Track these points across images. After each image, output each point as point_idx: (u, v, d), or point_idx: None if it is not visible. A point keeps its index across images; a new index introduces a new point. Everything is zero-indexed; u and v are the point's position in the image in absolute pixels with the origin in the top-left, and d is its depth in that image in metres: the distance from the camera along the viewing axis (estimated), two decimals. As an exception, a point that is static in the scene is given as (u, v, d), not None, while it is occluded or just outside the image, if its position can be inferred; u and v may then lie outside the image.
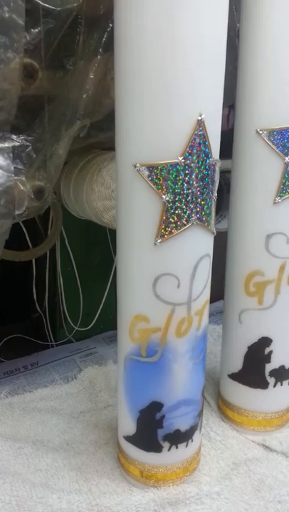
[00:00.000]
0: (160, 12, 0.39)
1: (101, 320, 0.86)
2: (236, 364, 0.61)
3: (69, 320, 0.84)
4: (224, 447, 0.60)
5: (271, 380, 0.61)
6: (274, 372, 0.60)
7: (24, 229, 0.77)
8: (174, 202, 0.44)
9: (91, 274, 0.84)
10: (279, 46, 0.51)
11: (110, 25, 0.51)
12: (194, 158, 0.43)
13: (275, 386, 0.61)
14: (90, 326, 0.86)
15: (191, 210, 0.44)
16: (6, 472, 0.55)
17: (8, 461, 0.57)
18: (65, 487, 0.53)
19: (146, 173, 0.43)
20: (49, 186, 0.55)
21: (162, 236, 0.44)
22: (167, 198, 0.43)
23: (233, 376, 0.62)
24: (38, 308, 0.86)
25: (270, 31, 0.50)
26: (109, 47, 0.51)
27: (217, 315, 0.88)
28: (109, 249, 0.83)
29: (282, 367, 0.61)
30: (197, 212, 0.45)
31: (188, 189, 0.44)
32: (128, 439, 0.53)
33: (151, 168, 0.43)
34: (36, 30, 0.47)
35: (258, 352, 0.60)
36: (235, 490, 0.54)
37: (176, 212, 0.44)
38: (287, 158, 0.52)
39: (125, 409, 0.52)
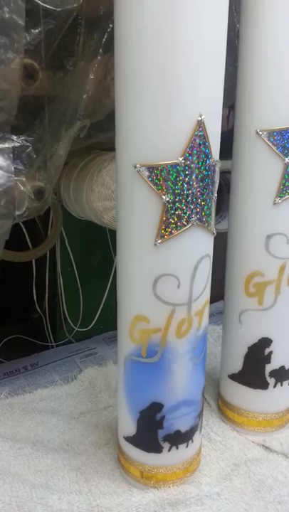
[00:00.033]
0: (160, 12, 0.39)
1: (101, 320, 0.86)
2: (236, 364, 0.61)
3: (69, 320, 0.84)
4: (224, 448, 0.60)
5: (271, 381, 0.60)
6: (274, 373, 0.60)
7: (24, 229, 0.77)
8: (174, 202, 0.44)
9: (91, 274, 0.84)
10: (279, 47, 0.51)
11: (110, 25, 0.51)
12: (194, 158, 0.43)
13: (275, 387, 0.61)
14: (90, 326, 0.86)
15: (191, 211, 0.44)
16: (6, 473, 0.55)
17: (8, 461, 0.57)
18: (65, 488, 0.53)
19: (147, 173, 0.43)
20: (49, 187, 0.55)
21: (162, 236, 0.44)
22: (167, 199, 0.43)
23: (233, 377, 0.62)
24: (38, 309, 0.86)
25: (269, 32, 0.50)
26: (109, 47, 0.51)
27: (217, 315, 0.88)
28: (109, 250, 0.83)
29: (283, 367, 0.60)
30: (197, 213, 0.45)
31: (188, 190, 0.44)
32: (128, 439, 0.53)
33: (151, 168, 0.43)
34: (36, 30, 0.47)
35: (258, 352, 0.60)
36: (236, 490, 0.53)
37: (177, 212, 0.44)
38: (287, 159, 0.52)
39: (125, 410, 0.52)
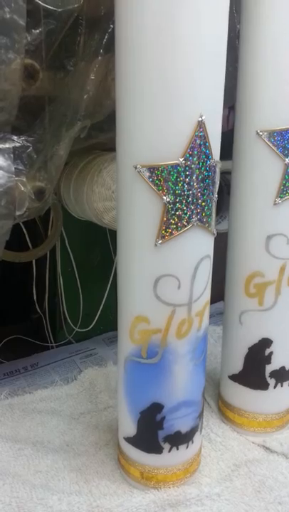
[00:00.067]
0: (160, 12, 0.39)
1: (101, 321, 0.86)
2: (237, 365, 0.61)
3: (69, 321, 0.84)
4: (224, 448, 0.60)
5: (271, 381, 0.60)
6: (274, 374, 0.60)
7: (24, 230, 0.76)
8: (174, 203, 0.43)
9: (91, 274, 0.84)
10: (279, 47, 0.51)
11: (111, 26, 0.51)
12: (195, 159, 0.43)
13: (275, 387, 0.61)
14: (90, 327, 0.86)
15: (192, 211, 0.44)
16: (6, 473, 0.55)
17: (8, 462, 0.57)
18: (65, 488, 0.53)
19: (147, 174, 0.43)
20: (50, 187, 0.55)
21: (163, 237, 0.44)
22: (168, 199, 0.43)
23: (234, 377, 0.62)
24: (38, 309, 0.86)
25: (270, 32, 0.50)
26: (110, 48, 0.51)
27: (217, 316, 0.88)
28: (110, 250, 0.83)
29: (283, 368, 0.60)
30: (198, 214, 0.45)
31: (188, 190, 0.44)
32: (128, 440, 0.53)
33: (151, 169, 0.43)
34: (37, 31, 0.47)
35: (259, 353, 0.60)
36: (236, 491, 0.53)
37: (177, 213, 0.44)
38: (287, 160, 0.53)
39: (125, 411, 0.52)
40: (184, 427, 0.52)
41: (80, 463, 0.57)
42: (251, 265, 0.57)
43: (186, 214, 0.44)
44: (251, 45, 0.52)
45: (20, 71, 0.48)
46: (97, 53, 0.52)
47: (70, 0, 0.47)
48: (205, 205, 0.45)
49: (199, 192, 0.44)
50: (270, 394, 0.61)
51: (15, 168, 0.52)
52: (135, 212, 0.45)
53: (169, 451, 0.52)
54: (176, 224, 0.44)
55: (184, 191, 0.43)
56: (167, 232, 0.44)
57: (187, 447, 0.53)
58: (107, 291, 0.84)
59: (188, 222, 0.44)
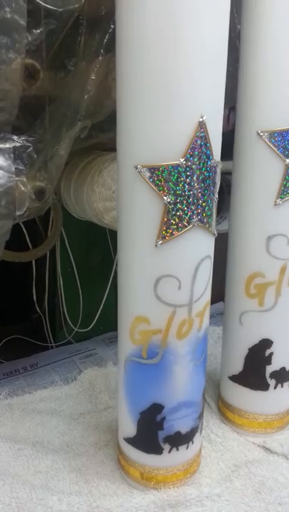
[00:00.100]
0: (161, 12, 0.39)
1: (101, 321, 0.86)
2: (237, 366, 0.61)
3: (69, 321, 0.84)
4: (225, 449, 0.60)
5: (272, 382, 0.60)
6: (274, 374, 0.60)
7: (24, 230, 0.76)
8: (175, 203, 0.43)
9: (91, 275, 0.84)
10: (280, 48, 0.51)
11: (112, 26, 0.51)
12: (196, 159, 0.43)
13: (275, 388, 0.61)
14: (90, 327, 0.86)
15: (193, 212, 0.44)
16: (6, 473, 0.55)
17: (8, 462, 0.57)
18: (65, 489, 0.53)
19: (148, 174, 0.43)
20: (50, 187, 0.55)
21: (163, 237, 0.44)
22: (168, 200, 0.43)
23: (234, 378, 0.62)
24: (38, 309, 0.86)
25: (270, 33, 0.50)
26: (110, 48, 0.51)
27: (217, 316, 0.88)
28: (110, 250, 0.83)
29: (283, 369, 0.60)
30: (198, 214, 0.45)
31: (189, 190, 0.44)
32: (128, 440, 0.53)
33: (152, 169, 0.43)
34: (38, 30, 0.47)
35: (259, 354, 0.60)
36: (236, 492, 0.53)
37: (178, 213, 0.44)
38: (287, 160, 0.52)
39: (125, 411, 0.52)
40: (184, 427, 0.52)
41: (80, 463, 0.57)
42: (252, 266, 0.57)
43: (186, 214, 0.44)
44: (252, 45, 0.52)
45: (21, 71, 0.48)
46: (98, 53, 0.52)
47: (70, 0, 0.47)
48: (206, 206, 0.45)
49: (200, 192, 0.44)
50: (271, 395, 0.61)
51: (15, 168, 0.52)
52: (136, 212, 0.45)
53: (169, 451, 0.52)
54: (176, 224, 0.44)
55: (184, 192, 0.43)
56: (168, 232, 0.44)
57: (187, 448, 0.53)
58: (107, 292, 0.84)
59: (188, 223, 0.44)
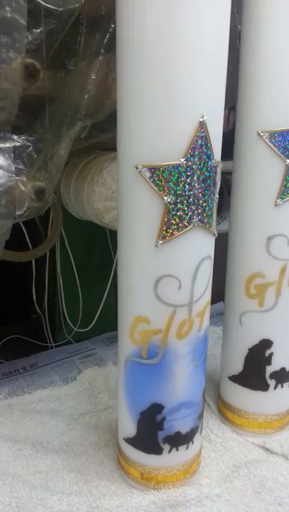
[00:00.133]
0: (162, 12, 0.39)
1: (100, 321, 0.86)
2: (237, 366, 0.61)
3: (68, 321, 0.84)
4: (224, 449, 0.60)
5: (272, 383, 0.60)
6: (274, 375, 0.60)
7: (24, 229, 0.76)
8: (175, 203, 0.43)
9: (91, 275, 0.84)
10: (280, 48, 0.51)
11: (112, 25, 0.51)
12: (196, 159, 0.43)
13: (275, 388, 0.61)
14: (90, 327, 0.85)
15: (193, 212, 0.44)
16: (6, 473, 0.55)
17: (8, 462, 0.57)
18: (65, 489, 0.53)
19: (148, 174, 0.43)
20: (50, 187, 0.55)
21: (164, 237, 0.44)
22: (169, 200, 0.43)
23: (234, 378, 0.62)
24: (38, 309, 0.86)
25: (271, 33, 0.50)
26: (111, 47, 0.51)
27: (217, 316, 0.88)
28: (109, 250, 0.83)
29: (283, 369, 0.60)
30: (199, 214, 0.45)
31: (189, 191, 0.44)
32: (128, 441, 0.53)
33: (152, 169, 0.43)
34: (38, 30, 0.47)
35: (259, 354, 0.59)
36: (236, 492, 0.53)
37: (178, 213, 0.44)
38: (288, 160, 0.52)
39: (125, 411, 0.52)
40: (184, 427, 0.51)
41: (80, 463, 0.57)
42: (252, 266, 0.57)
43: (187, 214, 0.44)
44: (252, 45, 0.52)
45: (21, 70, 0.48)
46: (98, 53, 0.52)
47: (71, -1, 0.47)
48: (206, 206, 0.45)
49: (200, 192, 0.44)
50: (270, 395, 0.61)
51: (15, 168, 0.52)
52: (136, 212, 0.45)
53: (169, 451, 0.52)
54: (177, 224, 0.44)
55: (185, 192, 0.43)
56: (168, 232, 0.44)
57: (187, 448, 0.53)
58: (106, 292, 0.84)
59: (189, 223, 0.44)
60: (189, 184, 0.43)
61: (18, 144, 0.52)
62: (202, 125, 0.42)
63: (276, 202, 0.54)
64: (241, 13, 0.53)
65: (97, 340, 0.87)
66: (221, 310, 0.77)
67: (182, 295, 0.46)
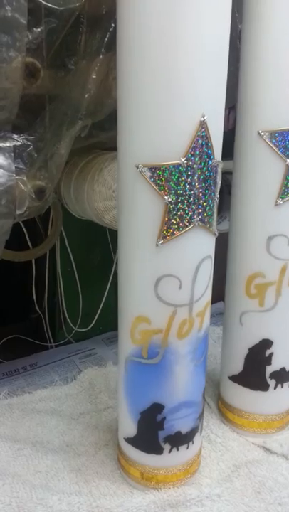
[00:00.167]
0: (162, 11, 0.39)
1: (100, 321, 0.86)
2: (237, 366, 0.61)
3: (68, 321, 0.84)
4: (224, 449, 0.60)
5: (272, 382, 0.60)
6: (275, 375, 0.60)
7: (24, 229, 0.76)
8: (176, 203, 0.43)
9: (91, 274, 0.84)
10: (281, 48, 0.51)
11: (112, 24, 0.51)
12: (197, 159, 0.43)
13: (275, 388, 0.61)
14: (90, 326, 0.85)
15: (193, 212, 0.44)
16: (6, 473, 0.55)
17: (8, 462, 0.57)
18: (65, 489, 0.53)
19: (149, 174, 0.43)
20: (50, 186, 0.55)
21: (164, 237, 0.44)
22: (169, 199, 0.43)
23: (234, 378, 0.62)
24: (38, 309, 0.86)
25: (271, 32, 0.50)
26: (111, 46, 0.51)
27: (217, 316, 0.88)
28: (109, 250, 0.83)
29: (283, 369, 0.60)
30: (199, 214, 0.45)
31: (190, 190, 0.43)
32: (128, 440, 0.53)
33: (153, 169, 0.43)
34: (38, 29, 0.47)
35: (259, 354, 0.59)
36: (236, 492, 0.53)
37: (179, 213, 0.44)
38: (288, 160, 0.52)
39: (126, 411, 0.52)
40: (184, 427, 0.51)
41: (80, 463, 0.57)
42: (252, 266, 0.57)
43: (187, 214, 0.44)
44: (253, 45, 0.52)
45: (21, 69, 0.47)
46: (99, 52, 0.52)
47: (71, -2, 0.47)
48: (206, 206, 0.45)
49: (201, 192, 0.44)
50: (270, 395, 0.61)
51: (15, 167, 0.52)
52: (136, 212, 0.45)
53: (170, 451, 0.52)
54: (177, 224, 0.44)
55: (185, 191, 0.43)
56: (168, 232, 0.44)
57: (187, 448, 0.53)
58: (106, 291, 0.84)
59: (189, 223, 0.44)
60: (190, 184, 0.43)
61: (18, 143, 0.52)
62: (203, 124, 0.42)
63: (276, 202, 0.54)
64: (242, 12, 0.53)
65: (97, 340, 0.87)
66: (221, 310, 0.77)
67: (183, 295, 0.46)
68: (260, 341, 0.59)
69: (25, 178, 0.53)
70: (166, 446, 0.52)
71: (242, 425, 0.62)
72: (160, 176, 0.43)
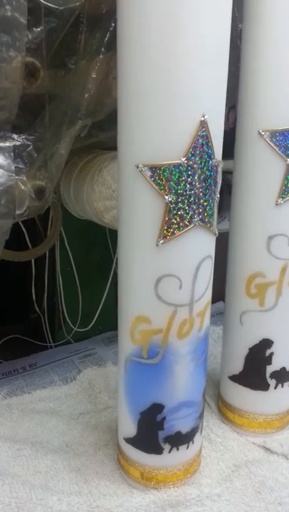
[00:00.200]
0: (163, 11, 0.39)
1: (100, 321, 0.86)
2: (237, 366, 0.61)
3: (68, 321, 0.84)
4: (225, 449, 0.60)
5: (272, 382, 0.60)
6: (275, 374, 0.60)
7: (24, 229, 0.76)
8: (176, 203, 0.43)
9: (90, 274, 0.84)
10: (281, 47, 0.51)
11: (112, 24, 0.51)
12: (197, 159, 0.43)
13: (275, 388, 0.61)
14: (89, 326, 0.85)
15: (194, 211, 0.44)
16: (6, 474, 0.55)
17: (8, 462, 0.57)
18: (65, 489, 0.53)
19: (149, 173, 0.43)
20: (50, 186, 0.55)
21: (164, 237, 0.44)
22: (170, 199, 0.43)
23: (234, 378, 0.62)
24: (37, 309, 0.86)
25: (272, 32, 0.50)
26: (111, 46, 0.51)
27: (217, 316, 0.88)
28: (109, 250, 0.83)
29: (283, 369, 0.60)
30: (199, 213, 0.45)
31: (190, 190, 0.43)
32: (128, 440, 0.53)
33: (153, 168, 0.42)
34: (38, 29, 0.47)
35: (259, 354, 0.59)
36: (236, 492, 0.53)
37: (179, 213, 0.44)
38: (289, 160, 0.52)
39: (126, 411, 0.52)
40: (184, 427, 0.51)
41: (80, 463, 0.57)
42: (252, 265, 0.57)
43: (187, 214, 0.44)
44: (253, 44, 0.52)
45: (21, 69, 0.47)
46: (99, 52, 0.52)
47: (71, -2, 0.47)
48: (207, 205, 0.45)
49: (201, 192, 0.44)
50: (271, 395, 0.61)
51: (15, 167, 0.52)
52: (136, 211, 0.45)
53: (170, 451, 0.52)
54: (177, 224, 0.44)
55: (185, 191, 0.43)
56: (169, 232, 0.44)
57: (187, 448, 0.53)
58: (106, 291, 0.84)
59: (190, 222, 0.44)
60: (190, 183, 0.43)
61: (18, 143, 0.52)
62: (203, 124, 0.42)
63: (277, 201, 0.54)
64: (242, 12, 0.53)
65: (96, 340, 0.86)
66: (221, 309, 0.77)
67: (183, 295, 0.46)
68: (261, 341, 0.59)
69: (25, 178, 0.52)
70: (166, 446, 0.51)
71: (242, 425, 0.62)
72: (160, 175, 0.42)
